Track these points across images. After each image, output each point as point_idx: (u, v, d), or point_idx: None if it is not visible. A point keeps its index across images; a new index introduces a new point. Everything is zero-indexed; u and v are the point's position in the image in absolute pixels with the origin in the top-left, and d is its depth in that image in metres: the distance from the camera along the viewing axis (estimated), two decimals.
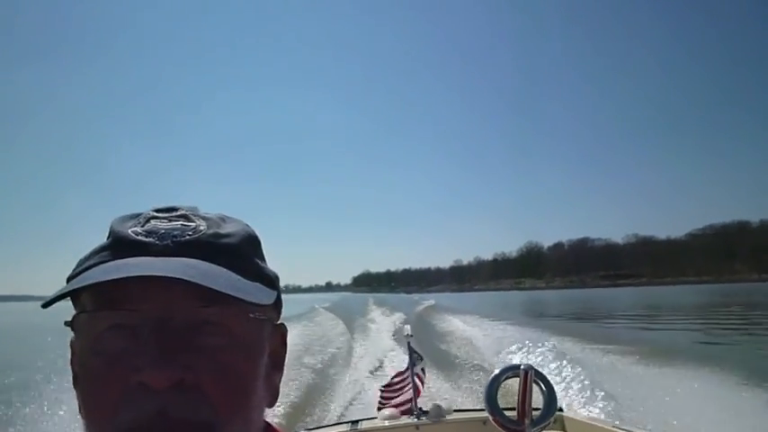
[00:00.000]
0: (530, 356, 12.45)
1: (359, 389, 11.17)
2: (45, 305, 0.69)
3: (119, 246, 0.70)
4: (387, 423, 4.00)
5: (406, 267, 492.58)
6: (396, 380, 4.42)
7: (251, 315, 0.70)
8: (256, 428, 0.71)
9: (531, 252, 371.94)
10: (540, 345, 12.19)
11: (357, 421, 4.07)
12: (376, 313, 35.83)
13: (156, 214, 0.74)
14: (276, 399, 0.78)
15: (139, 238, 0.70)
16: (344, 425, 4.10)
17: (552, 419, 1.43)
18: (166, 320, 0.64)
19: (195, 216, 0.74)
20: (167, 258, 0.66)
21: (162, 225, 0.71)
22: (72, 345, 0.73)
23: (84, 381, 0.67)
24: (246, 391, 0.68)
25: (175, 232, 0.70)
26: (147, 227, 0.71)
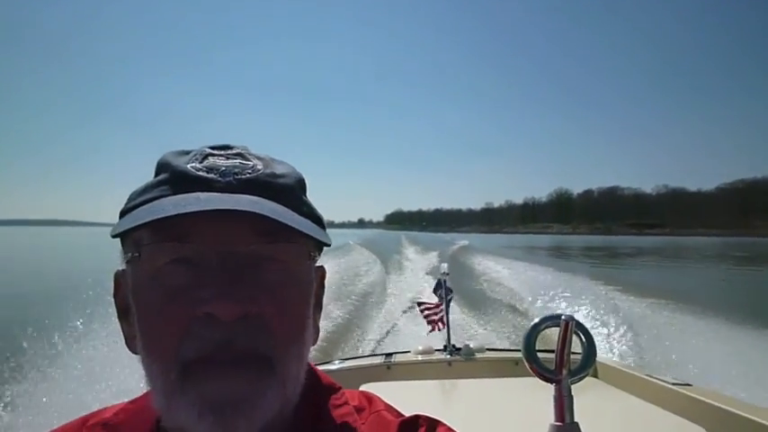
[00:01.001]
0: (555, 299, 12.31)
1: (393, 324, 11.02)
2: (116, 235, 0.67)
3: (180, 180, 0.68)
4: (420, 357, 3.91)
5: (438, 207, 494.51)
6: (430, 308, 4.33)
7: (311, 254, 0.71)
8: (304, 364, 0.71)
9: (561, 198, 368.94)
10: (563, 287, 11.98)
11: (391, 354, 3.99)
12: (409, 251, 35.51)
13: (212, 151, 0.72)
14: (317, 337, 0.78)
15: (201, 173, 0.68)
16: (379, 357, 3.99)
17: (589, 372, 1.31)
18: (233, 254, 0.63)
19: (250, 155, 0.73)
20: (234, 195, 0.65)
21: (221, 162, 0.70)
22: (119, 278, 0.74)
23: (144, 312, 0.66)
24: (301, 328, 0.69)
25: (236, 170, 0.69)
26: (205, 163, 0.69)
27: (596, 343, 1.32)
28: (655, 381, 3.08)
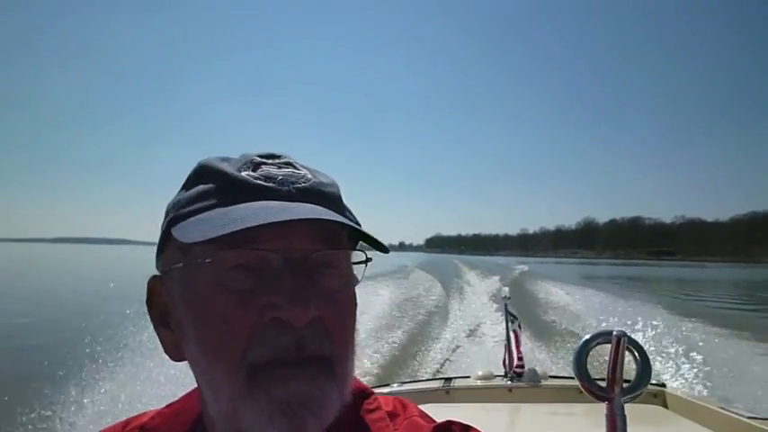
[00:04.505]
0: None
1: (454, 347, 9.81)
2: (195, 243, 0.57)
3: (238, 188, 0.61)
4: (479, 383, 3.42)
5: (477, 233, 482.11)
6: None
7: (366, 260, 0.66)
8: (354, 366, 0.66)
9: (589, 226, 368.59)
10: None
11: (450, 379, 3.50)
12: (470, 275, 32.24)
13: (263, 160, 0.65)
14: None
15: (259, 182, 0.62)
16: (438, 381, 3.51)
17: (645, 390, 1.11)
18: (298, 261, 0.59)
19: (297, 164, 0.67)
20: (295, 204, 0.60)
21: (274, 171, 0.63)
22: (156, 285, 0.67)
23: (205, 318, 0.59)
24: (353, 332, 0.65)
25: (291, 179, 0.63)
26: (259, 172, 0.63)
27: (653, 368, 1.12)
28: (729, 414, 2.61)
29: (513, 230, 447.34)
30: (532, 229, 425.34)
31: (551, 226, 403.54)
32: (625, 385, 1.12)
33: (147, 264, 0.69)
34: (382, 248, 0.65)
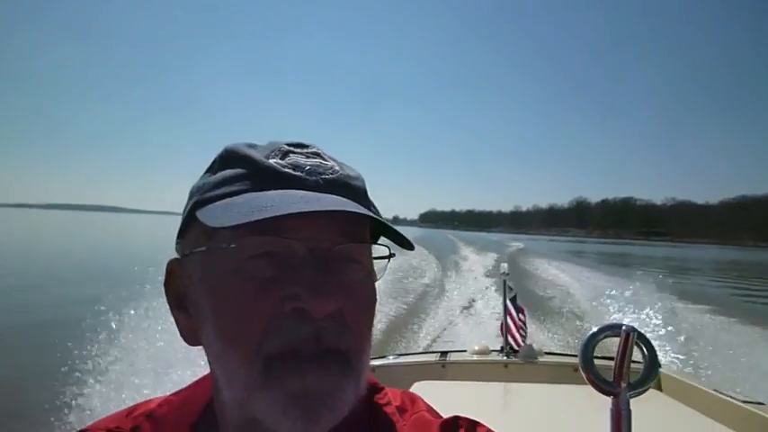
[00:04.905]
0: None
1: (449, 322, 9.84)
2: (222, 228, 0.55)
3: (266, 175, 0.60)
4: (475, 357, 3.47)
5: (470, 209, 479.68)
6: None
7: (390, 255, 0.65)
8: (369, 360, 0.64)
9: (581, 205, 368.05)
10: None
11: (446, 353, 3.53)
12: (466, 251, 32.95)
13: (291, 149, 0.63)
14: None
15: (287, 170, 0.60)
16: (434, 354, 3.56)
17: (650, 386, 1.06)
18: (321, 252, 0.57)
19: (325, 155, 0.65)
20: (323, 194, 0.59)
21: (302, 161, 0.62)
22: (175, 267, 0.65)
23: (224, 304, 0.58)
24: (371, 326, 0.63)
25: (319, 170, 0.61)
26: (287, 160, 0.61)
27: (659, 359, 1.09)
28: (724, 397, 2.63)
29: (507, 208, 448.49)
30: (525, 206, 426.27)
31: (544, 204, 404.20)
32: (631, 380, 1.07)
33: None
34: (407, 244, 0.62)
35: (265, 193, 0.57)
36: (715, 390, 2.76)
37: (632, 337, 1.04)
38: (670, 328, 8.72)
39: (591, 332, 1.14)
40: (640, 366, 1.07)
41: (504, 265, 4.08)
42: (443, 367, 3.36)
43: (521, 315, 3.69)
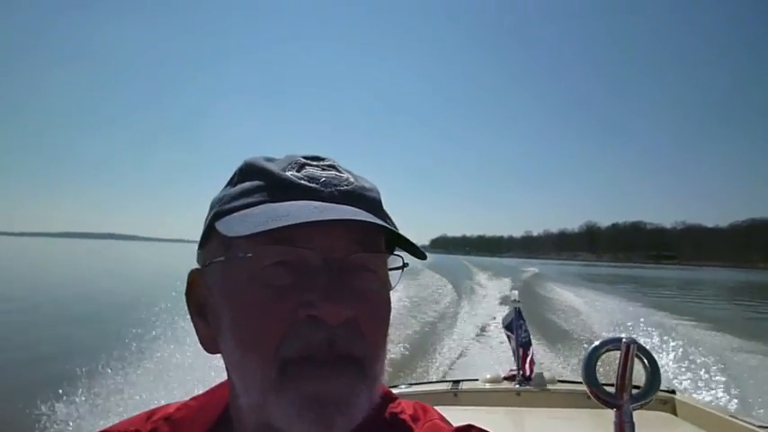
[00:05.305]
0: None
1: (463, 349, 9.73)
2: (238, 237, 0.57)
3: (283, 187, 0.61)
4: (488, 386, 3.39)
5: (480, 234, 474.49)
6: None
7: (403, 265, 0.66)
8: (383, 369, 0.64)
9: (591, 229, 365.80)
10: None
11: (458, 381, 3.46)
12: (481, 277, 32.43)
13: (307, 161, 0.65)
14: None
15: (303, 182, 0.61)
16: (446, 383, 3.48)
17: (654, 398, 1.09)
18: (336, 261, 0.58)
19: (340, 167, 0.66)
20: (338, 205, 0.60)
21: (318, 173, 0.63)
22: (196, 277, 0.67)
23: (242, 311, 0.59)
24: (386, 334, 0.64)
25: (335, 182, 0.63)
26: (303, 172, 0.63)
27: (662, 374, 1.10)
28: (739, 422, 2.52)
29: (517, 232, 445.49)
30: (536, 231, 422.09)
31: (555, 229, 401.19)
32: (634, 392, 1.09)
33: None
34: (420, 254, 0.63)
35: (281, 203, 0.58)
36: (731, 415, 2.69)
37: (632, 350, 1.06)
38: (691, 349, 8.68)
39: (593, 346, 1.16)
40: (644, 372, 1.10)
41: (515, 293, 4.01)
42: (455, 396, 3.33)
43: (528, 343, 3.62)
